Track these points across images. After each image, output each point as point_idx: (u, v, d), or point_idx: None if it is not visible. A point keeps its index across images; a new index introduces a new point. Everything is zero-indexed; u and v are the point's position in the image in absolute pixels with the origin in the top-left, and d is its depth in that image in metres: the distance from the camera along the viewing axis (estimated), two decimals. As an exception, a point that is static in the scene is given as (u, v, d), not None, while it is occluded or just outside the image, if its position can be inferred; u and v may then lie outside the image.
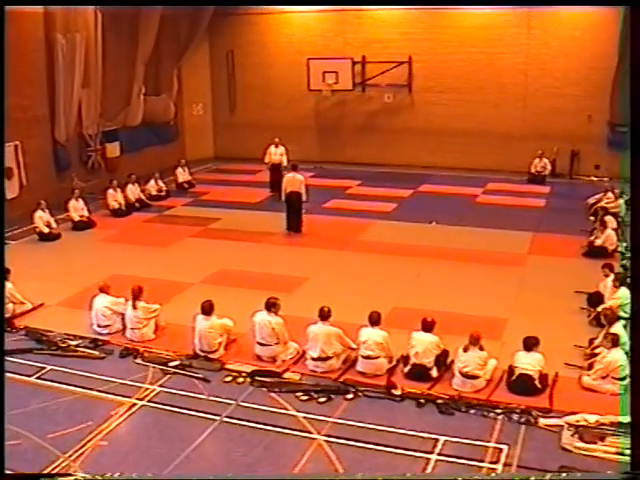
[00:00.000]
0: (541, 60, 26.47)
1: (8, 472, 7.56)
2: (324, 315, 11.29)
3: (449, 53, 27.38)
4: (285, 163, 23.29)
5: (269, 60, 29.64)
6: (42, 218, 18.80)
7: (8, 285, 13.21)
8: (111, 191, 21.47)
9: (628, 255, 16.31)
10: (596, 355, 10.97)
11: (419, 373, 10.89)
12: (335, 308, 11.46)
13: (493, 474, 8.55)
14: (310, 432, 9.57)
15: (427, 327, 11.13)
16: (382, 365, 11.08)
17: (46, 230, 18.74)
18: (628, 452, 8.60)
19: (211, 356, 11.59)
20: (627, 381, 10.31)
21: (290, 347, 11.67)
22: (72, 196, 20.16)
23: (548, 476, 8.03)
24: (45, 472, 8.54)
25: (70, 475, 8.46)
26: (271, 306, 11.61)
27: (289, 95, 29.45)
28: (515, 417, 9.79)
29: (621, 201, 20.23)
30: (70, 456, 8.91)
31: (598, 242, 17.07)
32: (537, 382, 10.41)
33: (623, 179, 21.89)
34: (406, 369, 11.03)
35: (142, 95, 26.16)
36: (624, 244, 17.18)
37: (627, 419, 9.27)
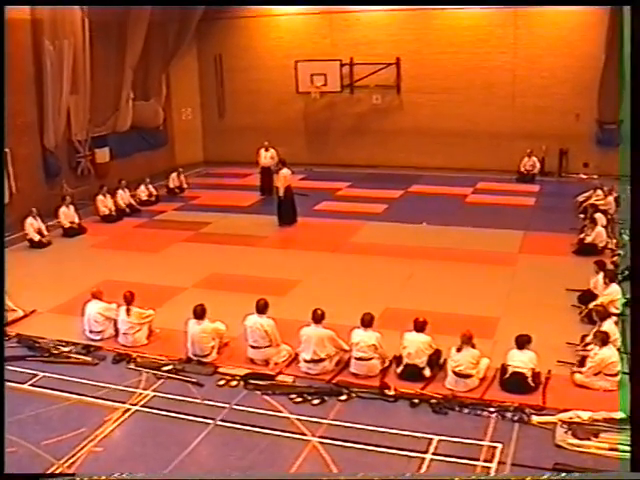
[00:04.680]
0: (529, 59, 26.54)
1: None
2: (317, 318, 11.29)
3: (437, 54, 27.44)
4: (277, 166, 23.47)
5: (257, 63, 29.63)
6: (33, 225, 18.75)
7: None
8: (101, 197, 21.45)
9: (618, 252, 16.44)
10: (588, 352, 11.00)
11: (412, 373, 10.90)
12: (327, 310, 11.47)
13: (490, 475, 8.55)
14: (304, 434, 9.58)
15: (419, 327, 11.14)
16: (375, 366, 11.09)
17: (37, 238, 18.69)
18: (622, 448, 8.66)
19: (204, 360, 11.58)
20: (619, 377, 10.38)
21: (283, 350, 11.67)
22: (63, 203, 20.12)
23: (545, 476, 8.04)
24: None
25: (70, 475, 8.45)
26: (263, 308, 11.63)
27: (278, 98, 29.45)
28: (509, 415, 9.81)
29: (611, 198, 20.31)
30: (64, 462, 8.89)
31: (588, 239, 17.11)
32: (530, 380, 10.44)
33: (612, 176, 22.08)
34: (399, 369, 11.05)
35: (131, 100, 26.13)
36: (614, 241, 17.28)
37: (620, 415, 9.34)
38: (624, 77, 21.01)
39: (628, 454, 7.95)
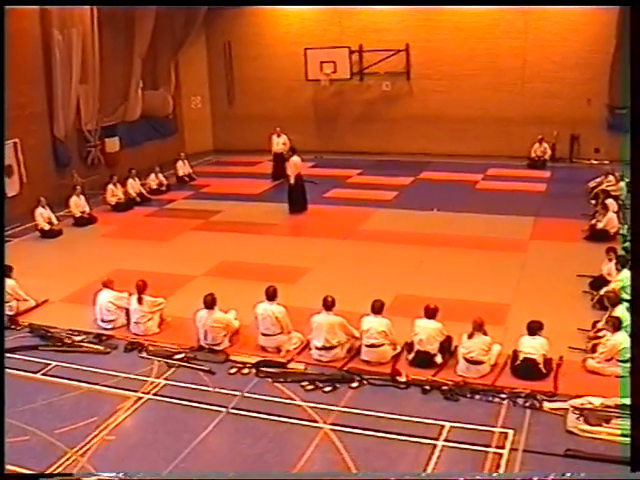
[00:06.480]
0: (539, 44, 26.41)
1: (8, 472, 7.60)
2: (328, 305, 11.29)
3: (446, 40, 27.36)
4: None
5: (266, 51, 29.60)
6: (42, 215, 18.79)
7: (11, 282, 13.23)
8: (111, 186, 21.49)
9: (630, 238, 16.33)
10: (600, 338, 10.98)
11: (423, 360, 10.90)
12: (338, 297, 11.46)
13: (495, 474, 8.52)
14: (316, 421, 9.58)
15: (430, 314, 11.13)
16: (386, 353, 11.09)
17: (47, 227, 18.74)
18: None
19: (215, 348, 11.60)
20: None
21: (294, 337, 11.68)
22: (73, 192, 20.15)
23: (551, 476, 8.04)
24: (52, 468, 8.54)
25: (70, 475, 8.47)
26: (272, 295, 11.64)
27: (287, 86, 29.43)
28: (520, 402, 9.80)
29: (622, 184, 20.20)
30: (77, 451, 8.92)
31: (600, 225, 17.06)
32: (541, 366, 10.42)
33: (623, 162, 21.88)
34: (410, 356, 11.05)
35: (140, 89, 26.19)
36: (626, 227, 17.18)
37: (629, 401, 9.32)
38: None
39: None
